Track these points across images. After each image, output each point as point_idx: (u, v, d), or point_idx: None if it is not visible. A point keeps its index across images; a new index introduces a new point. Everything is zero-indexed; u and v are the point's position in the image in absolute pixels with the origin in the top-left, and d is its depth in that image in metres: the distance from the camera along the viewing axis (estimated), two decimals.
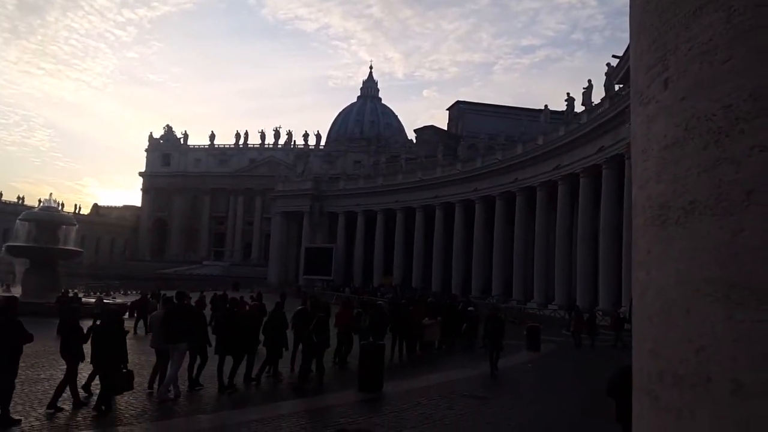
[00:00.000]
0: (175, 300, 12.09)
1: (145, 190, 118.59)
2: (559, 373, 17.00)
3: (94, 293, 38.22)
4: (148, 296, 25.40)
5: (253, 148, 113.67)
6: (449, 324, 21.38)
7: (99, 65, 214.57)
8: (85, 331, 10.23)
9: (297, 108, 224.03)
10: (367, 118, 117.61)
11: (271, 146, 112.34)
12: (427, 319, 19.97)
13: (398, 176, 67.71)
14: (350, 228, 71.33)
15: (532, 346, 21.04)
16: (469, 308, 24.25)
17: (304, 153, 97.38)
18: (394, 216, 65.43)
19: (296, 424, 9.11)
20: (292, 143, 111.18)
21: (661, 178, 1.43)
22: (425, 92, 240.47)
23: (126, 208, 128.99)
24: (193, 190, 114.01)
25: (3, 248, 34.89)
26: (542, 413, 10.88)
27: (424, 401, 11.37)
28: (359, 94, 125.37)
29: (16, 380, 8.63)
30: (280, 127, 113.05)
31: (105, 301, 27.56)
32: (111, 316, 10.64)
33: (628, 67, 2.00)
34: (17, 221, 34.22)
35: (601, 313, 31.30)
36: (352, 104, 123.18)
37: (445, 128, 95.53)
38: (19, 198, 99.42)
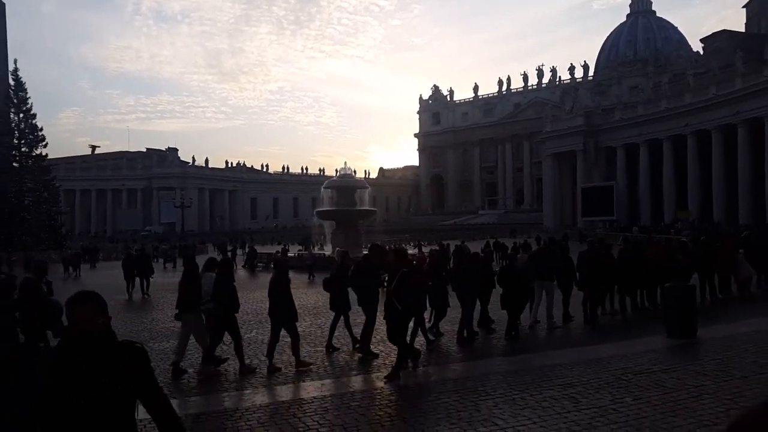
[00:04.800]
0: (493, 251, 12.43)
1: (421, 150, 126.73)
2: None
3: (390, 247, 42.31)
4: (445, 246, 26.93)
5: (517, 93, 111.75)
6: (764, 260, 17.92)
7: (369, 38, 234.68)
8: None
9: (560, 42, 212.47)
10: (640, 36, 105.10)
11: (534, 87, 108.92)
12: (741, 253, 17.08)
13: (686, 96, 59.05)
14: (631, 162, 65.33)
15: None
16: None
17: (571, 88, 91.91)
18: (685, 142, 57.56)
19: (608, 369, 8.57)
20: (557, 80, 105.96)
21: None
22: None
23: (406, 168, 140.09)
24: (463, 144, 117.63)
25: (314, 213, 40.90)
26: None
27: (752, 348, 9.71)
28: (628, 12, 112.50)
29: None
30: (542, 66, 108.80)
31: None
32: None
33: None
34: (322, 189, 39.60)
35: None
36: (621, 24, 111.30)
37: (743, 30, 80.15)
38: (320, 170, 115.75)
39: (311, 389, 8.16)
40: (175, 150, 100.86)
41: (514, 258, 13.12)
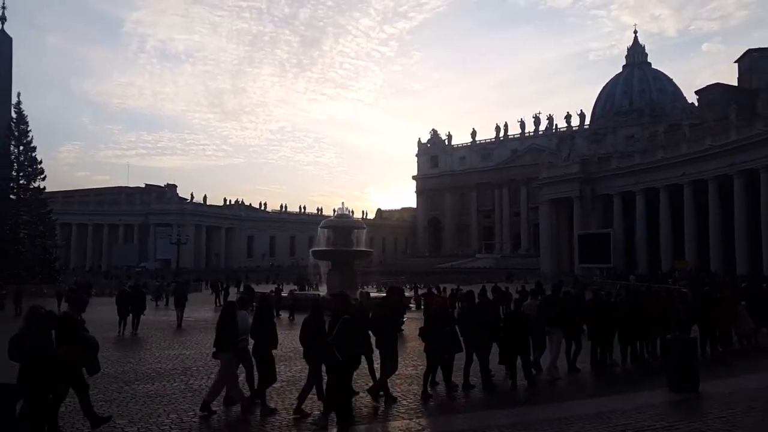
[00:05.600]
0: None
1: (419, 192, 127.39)
2: None
3: (385, 288, 42.06)
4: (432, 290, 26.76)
5: (514, 139, 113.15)
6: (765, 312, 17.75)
7: (370, 83, 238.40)
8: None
9: (556, 90, 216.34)
10: (636, 87, 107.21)
11: (531, 134, 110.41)
12: (743, 305, 16.92)
13: (682, 146, 59.74)
14: (628, 209, 65.58)
15: None
16: None
17: (568, 135, 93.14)
18: (681, 192, 57.95)
19: (608, 424, 8.29)
20: (554, 128, 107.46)
21: None
22: (705, 46, 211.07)
23: (404, 210, 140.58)
24: (461, 188, 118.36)
25: (310, 253, 40.68)
26: None
27: (757, 405, 9.45)
28: (624, 63, 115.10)
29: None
30: (539, 113, 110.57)
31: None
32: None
33: None
34: (318, 229, 39.48)
35: None
36: (617, 75, 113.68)
37: (735, 84, 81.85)
38: (318, 210, 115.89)
39: None
40: (174, 186, 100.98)
41: (520, 303, 12.93)
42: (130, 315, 21.36)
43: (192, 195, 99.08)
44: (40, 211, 51.52)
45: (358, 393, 9.74)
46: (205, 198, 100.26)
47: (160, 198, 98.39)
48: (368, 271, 49.46)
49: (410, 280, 54.15)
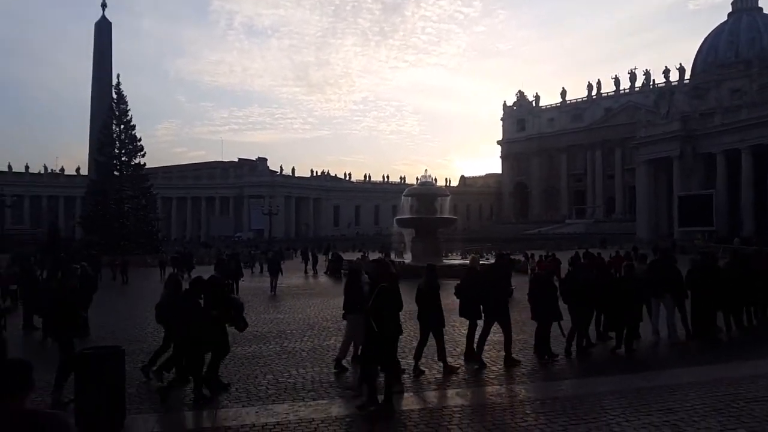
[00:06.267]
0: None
1: (504, 157, 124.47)
2: None
3: (469, 256, 41.72)
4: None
5: (608, 97, 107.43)
6: None
7: (452, 47, 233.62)
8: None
9: (653, 44, 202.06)
10: (743, 36, 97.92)
11: (626, 91, 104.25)
12: None
13: None
14: (733, 169, 60.80)
15: None
16: None
17: (666, 91, 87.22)
18: None
19: (714, 394, 7.83)
20: (651, 83, 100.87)
21: None
22: None
23: (488, 176, 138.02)
24: (549, 151, 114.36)
25: (394, 221, 40.93)
26: None
27: None
28: (729, 10, 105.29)
29: None
30: (635, 69, 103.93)
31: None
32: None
33: None
34: (402, 197, 39.57)
35: None
36: (722, 24, 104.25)
37: None
38: (401, 178, 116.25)
39: (458, 398, 8.14)
40: (265, 160, 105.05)
41: (632, 269, 12.29)
42: (229, 281, 22.48)
43: (281, 167, 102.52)
44: (141, 186, 54.93)
45: (405, 370, 9.34)
46: (293, 170, 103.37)
47: (253, 171, 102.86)
48: (452, 238, 49.07)
49: (495, 247, 53.25)
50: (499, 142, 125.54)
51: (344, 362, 9.76)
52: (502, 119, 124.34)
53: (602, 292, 11.05)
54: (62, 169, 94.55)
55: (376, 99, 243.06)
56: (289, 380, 9.10)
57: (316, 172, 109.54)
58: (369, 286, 8.46)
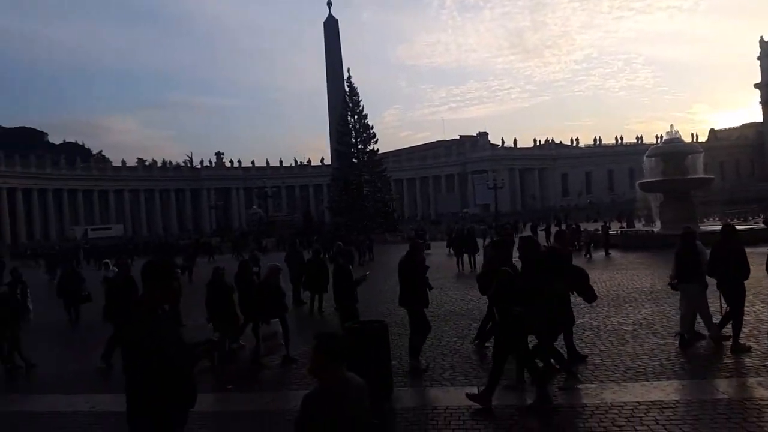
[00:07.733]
0: None
1: (764, 102, 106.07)
2: None
3: (731, 220, 36.28)
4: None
5: None
6: None
7: None
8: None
9: None
10: None
11: None
12: None
13: None
14: None
15: None
16: None
17: None
18: None
19: None
20: None
21: None
22: None
23: (744, 126, 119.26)
24: None
25: (636, 186, 37.23)
26: None
27: None
28: None
29: None
30: None
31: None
32: None
33: None
34: (644, 158, 35.70)
35: None
36: None
37: None
38: (637, 138, 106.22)
39: (669, 390, 6.87)
40: (485, 134, 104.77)
41: None
42: (465, 255, 22.89)
43: (502, 140, 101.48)
44: (376, 170, 59.03)
45: (586, 357, 8.23)
46: (515, 141, 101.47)
47: (474, 147, 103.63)
48: (708, 200, 43.23)
49: (763, 209, 45.44)
50: (756, 86, 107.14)
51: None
52: (759, 58, 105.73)
53: None
54: (309, 161, 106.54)
55: (600, 55, 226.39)
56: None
57: (539, 142, 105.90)
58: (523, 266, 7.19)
